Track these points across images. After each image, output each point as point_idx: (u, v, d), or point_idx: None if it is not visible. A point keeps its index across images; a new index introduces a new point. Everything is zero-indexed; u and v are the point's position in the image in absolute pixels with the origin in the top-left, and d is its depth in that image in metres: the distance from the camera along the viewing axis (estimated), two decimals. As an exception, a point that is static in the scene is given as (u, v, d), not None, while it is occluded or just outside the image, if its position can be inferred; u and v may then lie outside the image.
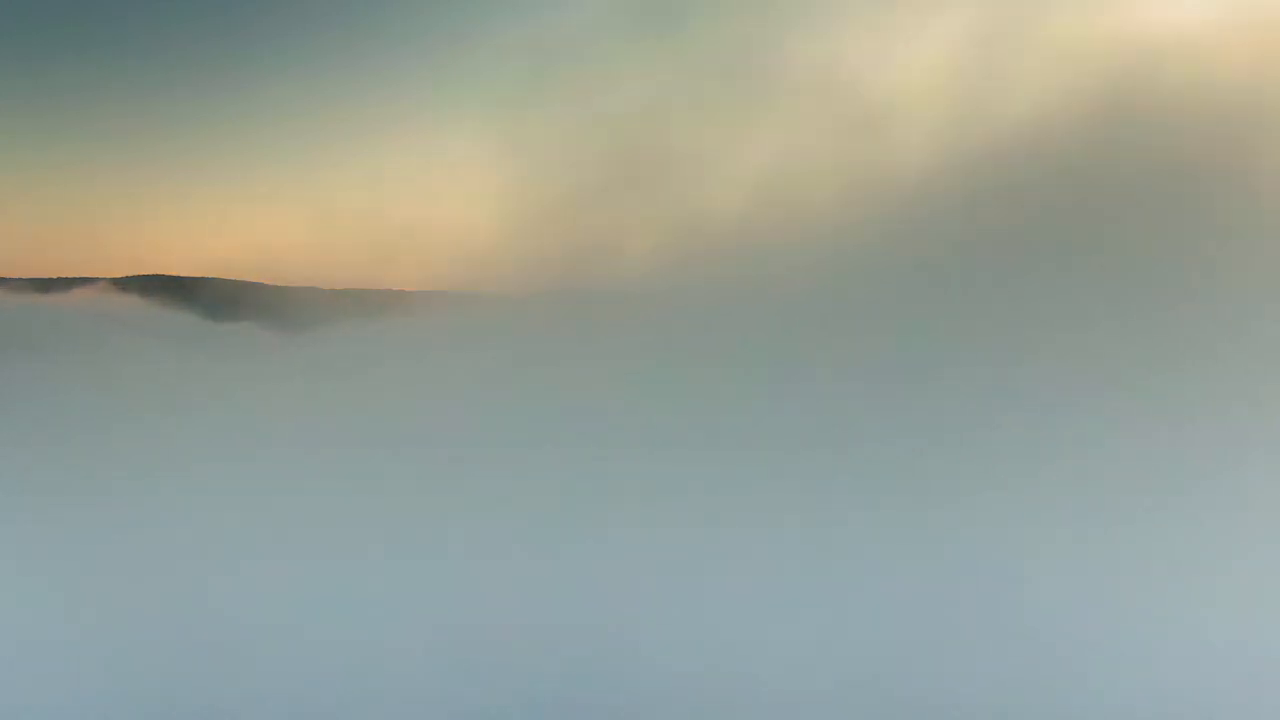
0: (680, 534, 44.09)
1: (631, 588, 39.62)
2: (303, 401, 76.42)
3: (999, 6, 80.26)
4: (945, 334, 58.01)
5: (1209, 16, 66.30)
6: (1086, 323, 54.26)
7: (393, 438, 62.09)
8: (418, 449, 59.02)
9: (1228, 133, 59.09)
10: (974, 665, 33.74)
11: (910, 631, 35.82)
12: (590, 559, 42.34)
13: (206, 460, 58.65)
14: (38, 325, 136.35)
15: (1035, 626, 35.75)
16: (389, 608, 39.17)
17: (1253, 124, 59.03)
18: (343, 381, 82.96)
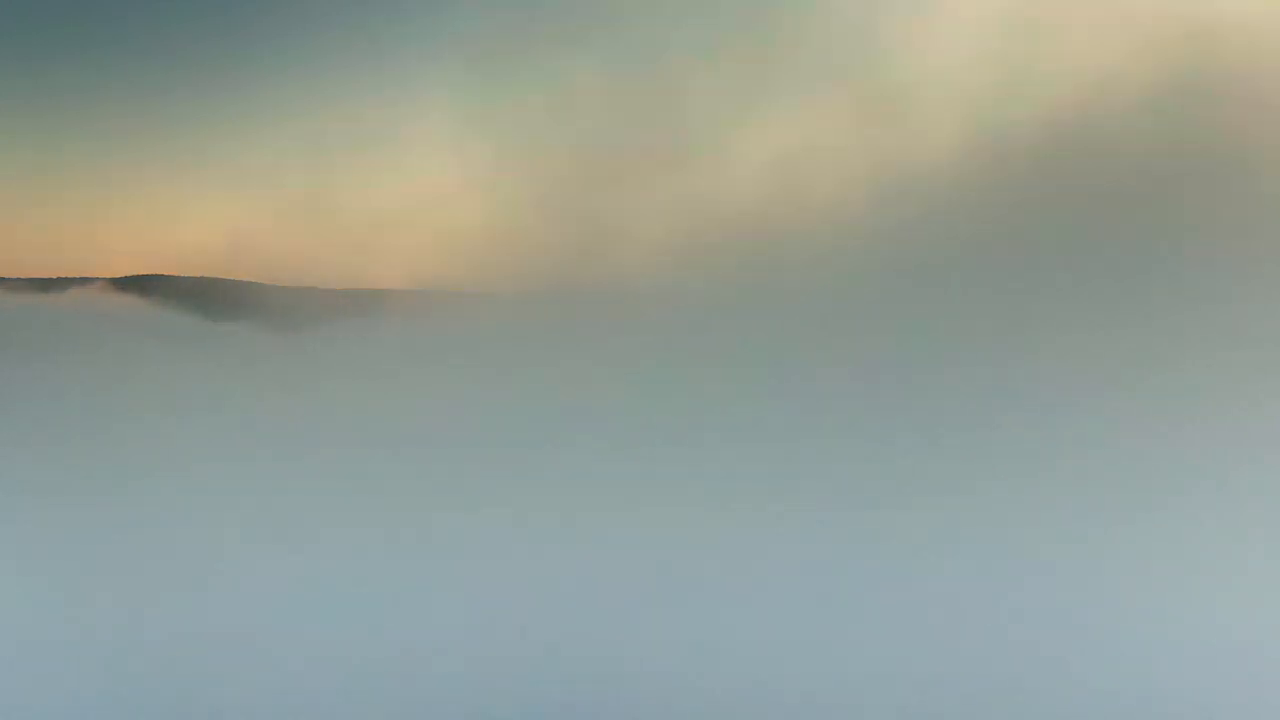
0: (679, 534, 44.04)
1: (631, 588, 39.58)
2: (301, 401, 76.36)
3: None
4: (966, 334, 56.94)
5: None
6: (1120, 314, 53.10)
7: (392, 437, 62.05)
8: (417, 449, 58.98)
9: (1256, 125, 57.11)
10: (974, 662, 33.72)
11: (910, 630, 35.79)
12: (589, 559, 42.30)
13: (205, 459, 58.63)
14: (37, 325, 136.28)
15: (1035, 625, 35.73)
16: (389, 606, 39.13)
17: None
18: (342, 381, 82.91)
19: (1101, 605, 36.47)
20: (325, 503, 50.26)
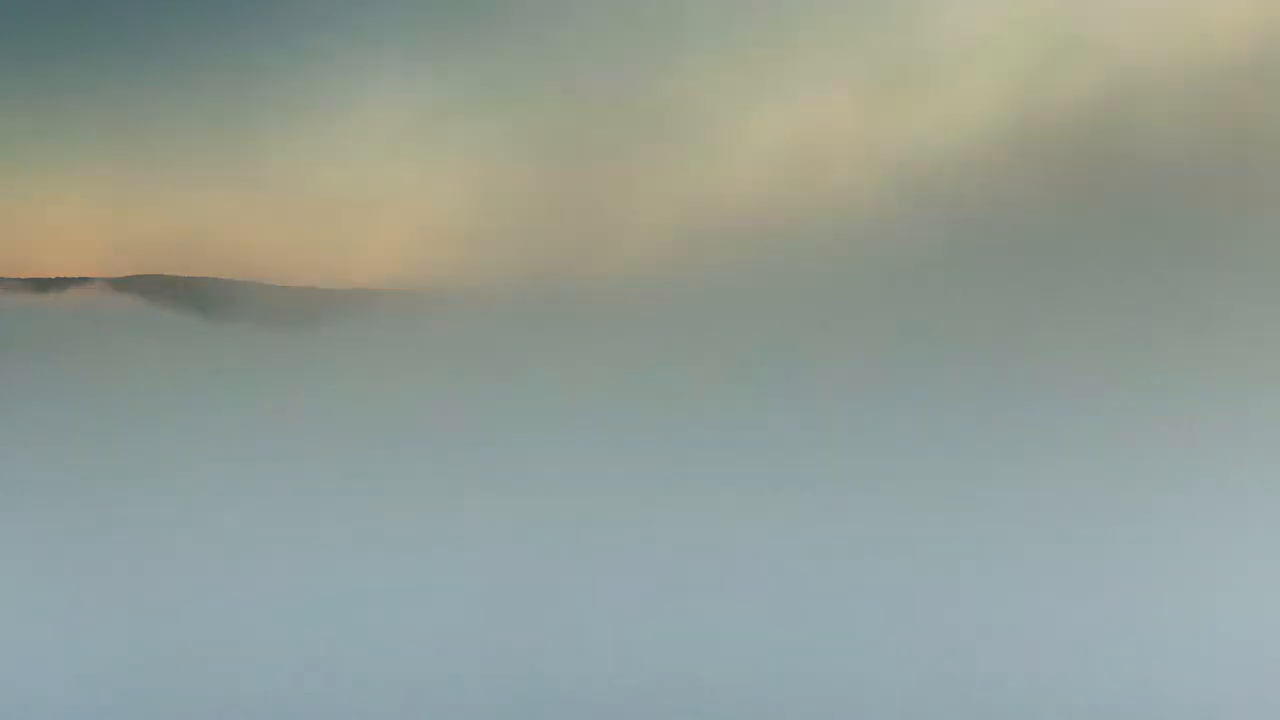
0: (680, 532, 44.01)
1: (631, 586, 39.55)
2: (302, 401, 76.33)
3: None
4: (981, 333, 55.27)
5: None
6: (1155, 310, 51.42)
7: (393, 437, 62.01)
8: (418, 448, 58.94)
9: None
10: (974, 662, 33.69)
11: (910, 630, 35.76)
12: (589, 558, 42.26)
13: (205, 459, 58.60)
14: (37, 325, 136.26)
15: (1035, 624, 35.70)
16: (388, 607, 39.11)
17: None
18: (342, 380, 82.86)
19: (1102, 605, 36.43)
20: (326, 502, 50.24)
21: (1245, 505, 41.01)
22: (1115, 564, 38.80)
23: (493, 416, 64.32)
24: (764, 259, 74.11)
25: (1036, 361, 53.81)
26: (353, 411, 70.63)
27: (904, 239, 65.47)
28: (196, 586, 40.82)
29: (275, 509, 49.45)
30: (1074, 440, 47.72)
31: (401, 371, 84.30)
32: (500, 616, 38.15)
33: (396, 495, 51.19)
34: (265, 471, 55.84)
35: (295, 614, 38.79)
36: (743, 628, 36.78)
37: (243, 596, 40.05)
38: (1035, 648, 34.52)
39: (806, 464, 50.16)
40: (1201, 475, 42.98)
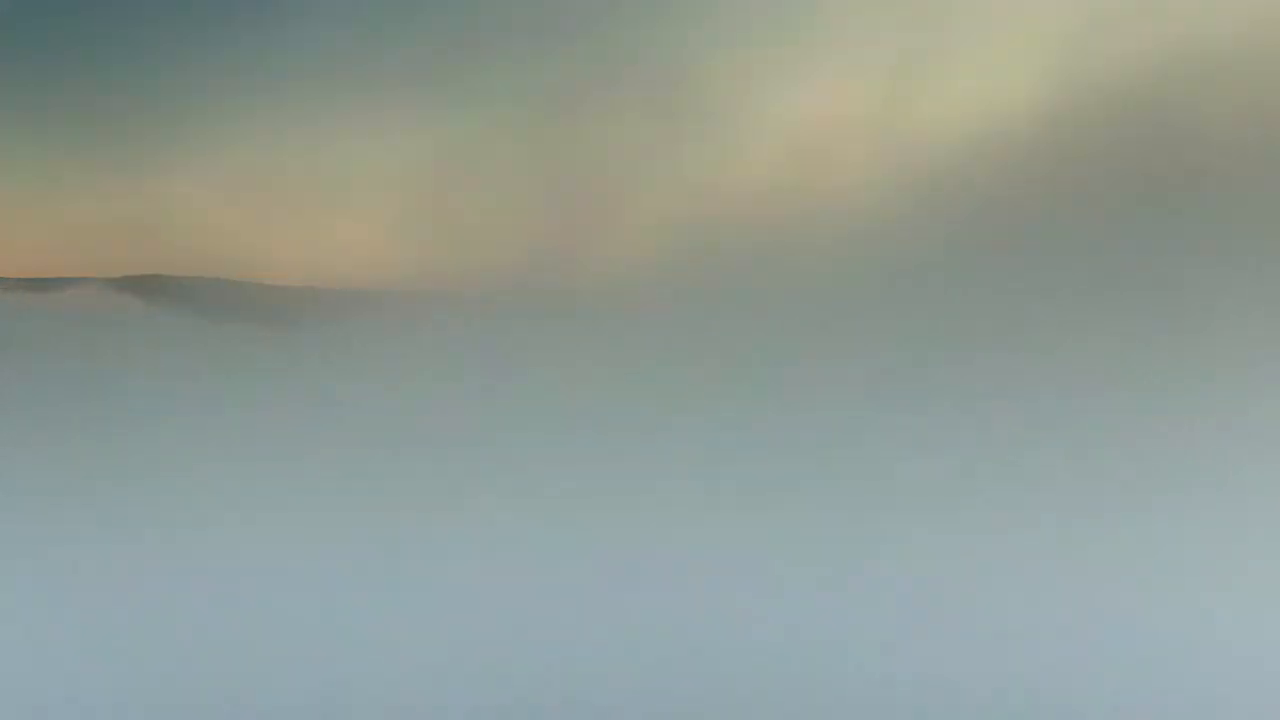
0: (680, 531, 43.99)
1: (631, 584, 39.53)
2: (302, 401, 76.29)
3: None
4: (994, 333, 53.49)
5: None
6: (1140, 307, 50.05)
7: (393, 436, 61.98)
8: (418, 447, 58.91)
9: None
10: (974, 662, 33.68)
11: (910, 630, 35.74)
12: (588, 558, 42.24)
13: (204, 459, 58.57)
14: (37, 325, 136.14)
15: (1035, 625, 35.69)
16: (388, 605, 39.09)
17: None
18: (342, 380, 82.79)
19: (1102, 604, 36.41)
20: (326, 501, 50.22)
21: (1245, 505, 41.01)
22: (1115, 563, 38.79)
23: (493, 415, 64.29)
24: (766, 257, 73.52)
25: (1036, 362, 53.78)
26: (352, 411, 70.60)
27: (913, 237, 63.78)
28: (196, 585, 40.81)
29: (275, 508, 49.43)
30: (1074, 440, 47.71)
31: (401, 370, 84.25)
32: (500, 615, 38.12)
33: (396, 494, 51.18)
34: (265, 471, 55.83)
35: (295, 613, 38.76)
36: (742, 627, 36.76)
37: (242, 595, 40.03)
38: (1035, 647, 34.51)
39: (806, 463, 50.14)
40: (1202, 475, 42.97)
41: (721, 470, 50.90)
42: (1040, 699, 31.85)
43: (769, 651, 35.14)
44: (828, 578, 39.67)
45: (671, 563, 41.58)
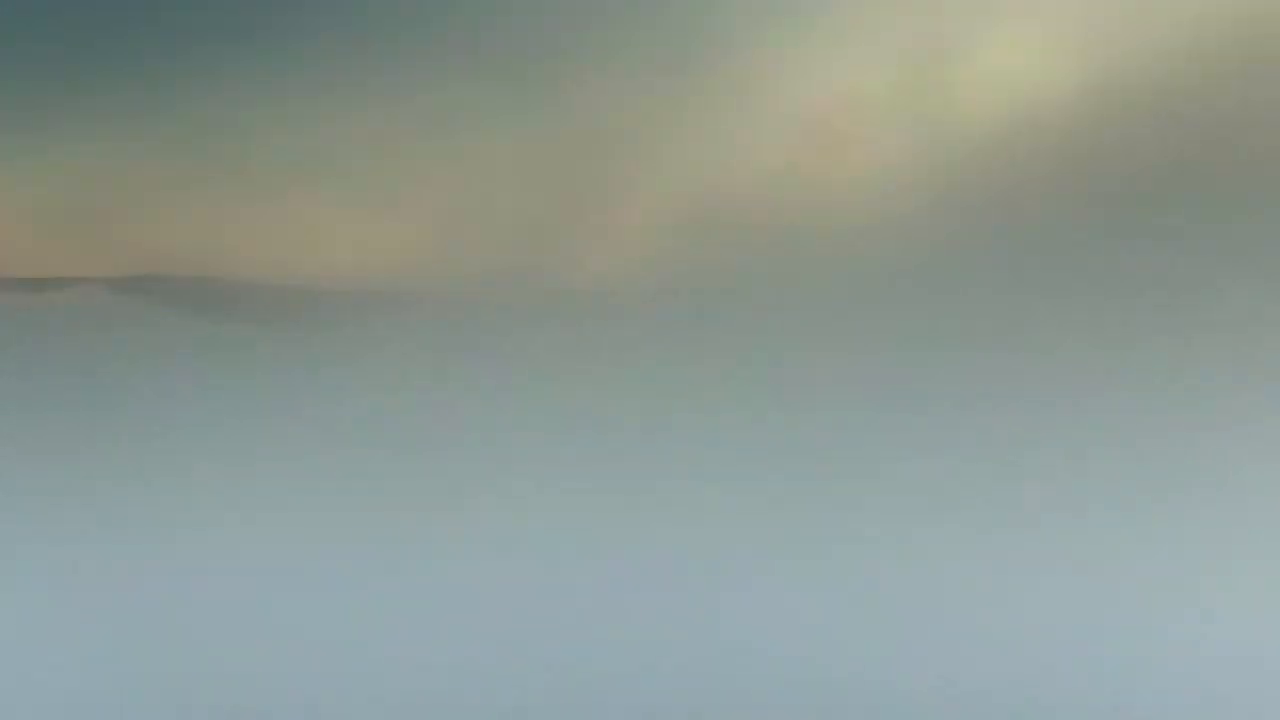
0: (679, 531, 44.02)
1: (631, 584, 39.55)
2: (301, 400, 76.30)
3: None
4: (1007, 334, 53.18)
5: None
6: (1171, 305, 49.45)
7: (392, 436, 62.01)
8: (417, 447, 58.93)
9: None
10: (974, 662, 33.69)
11: (910, 630, 35.76)
12: (588, 557, 42.26)
13: (204, 458, 58.59)
14: (37, 325, 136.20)
15: (1035, 624, 35.71)
16: (387, 603, 39.11)
17: None
18: (342, 380, 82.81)
19: (1102, 604, 36.42)
20: (325, 500, 50.23)
21: (1245, 505, 41.03)
22: (1115, 562, 38.81)
23: (493, 415, 64.31)
24: (767, 257, 73.71)
25: (1038, 362, 53.77)
26: (352, 410, 70.63)
27: (913, 239, 63.75)
28: (196, 583, 40.82)
29: (274, 507, 49.45)
30: (1075, 440, 47.73)
31: (401, 370, 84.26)
32: (499, 614, 38.13)
33: (396, 493, 51.20)
34: (264, 470, 55.84)
35: (293, 611, 38.77)
36: (742, 625, 36.77)
37: (242, 593, 40.05)
38: (1035, 646, 34.52)
39: (807, 463, 50.16)
40: (1202, 475, 42.99)
41: (722, 470, 50.92)
42: (1040, 697, 31.85)
43: (768, 650, 35.14)
44: (829, 575, 39.68)
45: (671, 561, 41.60)
